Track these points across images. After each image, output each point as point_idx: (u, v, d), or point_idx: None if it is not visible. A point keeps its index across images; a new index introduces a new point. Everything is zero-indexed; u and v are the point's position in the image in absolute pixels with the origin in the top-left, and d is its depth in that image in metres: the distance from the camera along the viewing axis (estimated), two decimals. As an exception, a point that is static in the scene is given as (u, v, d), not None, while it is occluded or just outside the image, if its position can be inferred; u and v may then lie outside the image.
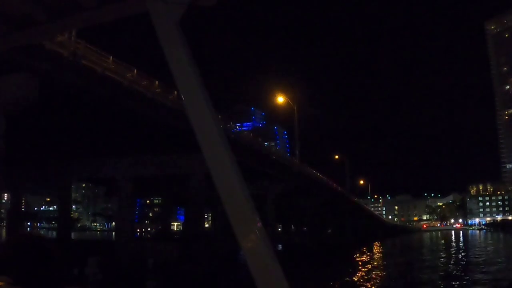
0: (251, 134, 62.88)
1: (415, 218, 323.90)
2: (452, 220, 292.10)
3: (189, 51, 3.70)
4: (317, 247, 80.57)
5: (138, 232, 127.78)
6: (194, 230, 47.06)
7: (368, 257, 75.31)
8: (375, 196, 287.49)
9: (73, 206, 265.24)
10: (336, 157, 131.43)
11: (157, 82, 37.63)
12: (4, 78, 24.43)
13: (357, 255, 75.04)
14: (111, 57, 31.62)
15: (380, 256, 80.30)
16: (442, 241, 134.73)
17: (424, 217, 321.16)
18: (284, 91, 77.92)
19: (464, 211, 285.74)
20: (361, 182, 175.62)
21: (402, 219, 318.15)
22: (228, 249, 56.11)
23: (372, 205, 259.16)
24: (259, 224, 3.29)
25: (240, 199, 3.31)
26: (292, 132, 60.49)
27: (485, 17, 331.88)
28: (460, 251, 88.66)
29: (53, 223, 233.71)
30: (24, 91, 24.89)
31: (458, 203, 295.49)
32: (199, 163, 44.09)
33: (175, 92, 39.88)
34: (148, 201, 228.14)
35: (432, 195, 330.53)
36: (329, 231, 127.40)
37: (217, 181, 3.34)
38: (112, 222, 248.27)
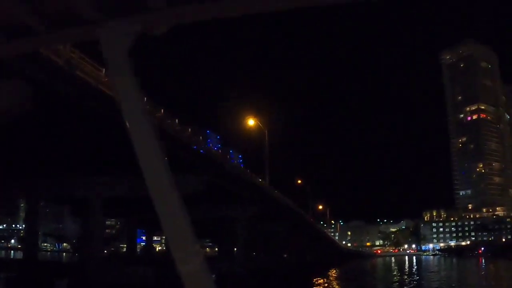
0: (220, 151, 61.90)
1: (368, 244, 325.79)
2: (406, 246, 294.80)
3: (136, 80, 3.74)
4: (283, 271, 79.81)
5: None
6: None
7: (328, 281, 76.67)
8: (332, 221, 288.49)
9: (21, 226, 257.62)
10: (299, 181, 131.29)
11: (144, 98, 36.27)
12: None
13: (318, 279, 75.15)
14: (104, 69, 30.35)
15: (340, 280, 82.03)
16: (397, 266, 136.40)
17: (377, 243, 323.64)
18: (244, 115, 77.27)
19: (418, 237, 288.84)
20: (320, 207, 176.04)
21: (355, 244, 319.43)
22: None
23: (326, 230, 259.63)
24: (199, 250, 3.37)
25: (181, 224, 3.38)
26: (246, 156, 60.26)
27: (440, 48, 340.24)
28: (415, 276, 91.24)
29: (2, 242, 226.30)
30: (17, 98, 23.35)
31: (411, 229, 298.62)
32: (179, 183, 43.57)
33: (162, 110, 38.86)
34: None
35: (385, 221, 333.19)
36: (293, 256, 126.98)
37: (158, 206, 3.42)
38: (63, 243, 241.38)
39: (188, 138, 45.84)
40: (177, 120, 42.97)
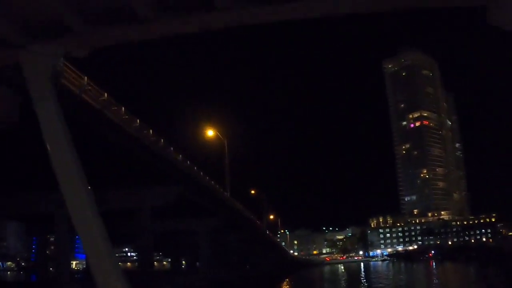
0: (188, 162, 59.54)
1: (315, 252, 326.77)
2: (353, 253, 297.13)
3: (57, 102, 3.84)
4: (244, 283, 78.46)
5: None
6: (146, 268, 43.50)
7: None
8: (281, 231, 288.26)
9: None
10: (253, 192, 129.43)
11: (123, 108, 34.07)
12: None
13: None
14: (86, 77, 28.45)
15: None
16: (350, 272, 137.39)
17: (324, 251, 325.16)
18: (202, 126, 75.19)
19: (365, 243, 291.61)
20: (272, 217, 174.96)
21: (302, 253, 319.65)
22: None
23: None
24: (117, 264, 3.43)
25: (99, 241, 3.47)
26: (205, 168, 58.39)
27: (383, 56, 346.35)
28: (367, 280, 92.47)
29: None
30: (5, 108, 22.34)
31: (358, 236, 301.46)
32: (147, 197, 42.78)
33: (138, 121, 36.70)
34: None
35: (330, 229, 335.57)
36: (251, 267, 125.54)
37: (76, 223, 3.55)
38: (7, 262, 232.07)
39: (162, 149, 43.62)
40: (151, 131, 40.66)
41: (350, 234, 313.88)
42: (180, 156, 48.29)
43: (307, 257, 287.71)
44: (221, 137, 74.93)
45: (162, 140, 42.99)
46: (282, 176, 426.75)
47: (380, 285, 73.56)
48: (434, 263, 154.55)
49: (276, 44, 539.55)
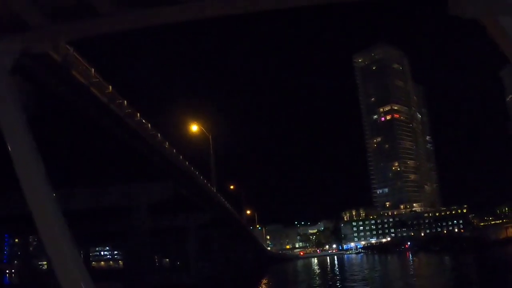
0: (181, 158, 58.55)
1: (288, 247, 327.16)
2: (327, 246, 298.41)
3: (17, 100, 3.74)
4: (232, 279, 78.34)
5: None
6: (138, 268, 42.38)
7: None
8: (257, 226, 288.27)
9: None
10: (232, 187, 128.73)
11: (125, 102, 33.01)
12: None
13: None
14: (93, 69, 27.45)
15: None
16: (322, 265, 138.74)
17: (297, 245, 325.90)
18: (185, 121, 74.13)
19: (339, 237, 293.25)
20: (248, 212, 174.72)
21: (275, 248, 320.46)
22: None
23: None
24: (82, 264, 3.36)
25: (61, 240, 3.34)
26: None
27: (353, 51, 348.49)
28: (348, 271, 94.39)
29: None
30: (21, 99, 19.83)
31: (332, 229, 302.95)
32: (144, 193, 41.81)
33: (138, 114, 35.68)
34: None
35: (302, 223, 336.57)
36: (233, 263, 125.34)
37: (38, 223, 3.43)
38: None
39: (159, 143, 42.47)
40: (149, 125, 39.51)
41: (322, 228, 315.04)
42: (174, 150, 47.33)
43: (281, 251, 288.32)
44: (206, 132, 74.14)
45: (159, 135, 41.97)
46: (254, 171, 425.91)
47: (355, 276, 74.23)
48: (410, 254, 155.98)
49: (248, 37, 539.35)
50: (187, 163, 53.24)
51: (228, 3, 3.73)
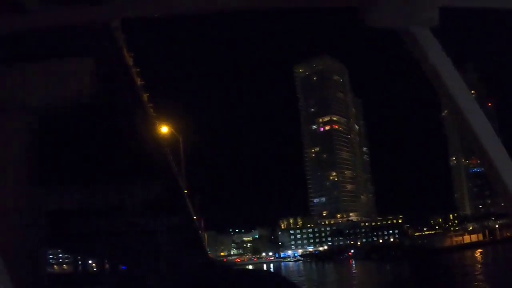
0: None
1: (222, 254, 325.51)
2: (264, 254, 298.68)
3: None
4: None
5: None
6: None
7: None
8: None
9: None
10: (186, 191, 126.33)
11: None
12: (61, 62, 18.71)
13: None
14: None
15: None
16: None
17: (232, 252, 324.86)
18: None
19: (276, 245, 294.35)
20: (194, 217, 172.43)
21: (210, 254, 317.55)
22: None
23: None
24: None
25: None
26: None
27: (294, 62, 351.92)
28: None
29: None
30: (85, 83, 19.05)
31: (270, 237, 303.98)
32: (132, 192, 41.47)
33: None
34: None
35: (237, 230, 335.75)
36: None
37: None
38: None
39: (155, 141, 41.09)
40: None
41: (257, 236, 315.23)
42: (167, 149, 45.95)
43: (216, 258, 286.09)
44: (176, 134, 72.34)
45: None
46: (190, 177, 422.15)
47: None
48: (353, 262, 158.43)
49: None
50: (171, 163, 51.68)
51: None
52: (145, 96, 31.27)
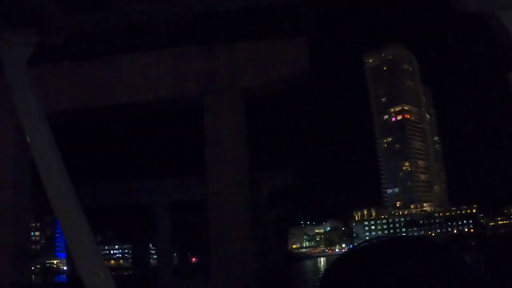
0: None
1: (294, 246, 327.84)
2: (337, 246, 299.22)
3: (35, 93, 3.61)
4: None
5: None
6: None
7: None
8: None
9: None
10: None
11: None
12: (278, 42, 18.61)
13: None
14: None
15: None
16: None
17: (304, 244, 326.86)
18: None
19: (350, 236, 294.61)
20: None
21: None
22: None
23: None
24: (104, 263, 3.32)
25: (83, 236, 3.27)
26: None
27: (364, 51, 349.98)
28: None
29: None
30: (297, 63, 18.84)
31: (343, 229, 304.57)
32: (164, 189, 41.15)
33: None
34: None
35: (308, 223, 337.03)
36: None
37: (59, 216, 3.30)
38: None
39: None
40: None
41: (328, 228, 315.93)
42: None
43: (296, 251, 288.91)
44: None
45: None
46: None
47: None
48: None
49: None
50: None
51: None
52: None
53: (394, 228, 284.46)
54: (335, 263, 1.30)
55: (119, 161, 34.16)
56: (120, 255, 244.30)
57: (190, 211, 52.21)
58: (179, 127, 27.58)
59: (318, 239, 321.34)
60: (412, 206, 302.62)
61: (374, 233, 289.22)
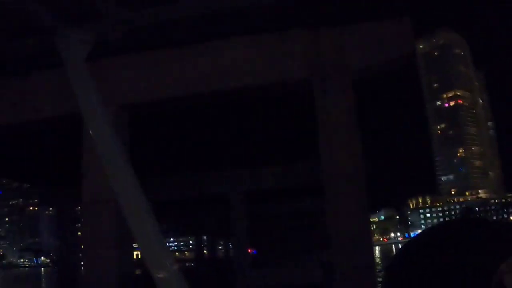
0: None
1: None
2: (392, 234, 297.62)
3: (95, 87, 3.80)
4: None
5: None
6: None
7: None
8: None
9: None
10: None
11: None
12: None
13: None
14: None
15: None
16: None
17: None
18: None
19: (405, 224, 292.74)
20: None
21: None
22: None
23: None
24: (171, 256, 3.47)
25: (151, 231, 3.33)
26: None
27: (415, 37, 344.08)
28: None
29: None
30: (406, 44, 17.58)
31: (398, 217, 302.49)
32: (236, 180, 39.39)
33: None
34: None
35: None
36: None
37: (127, 213, 3.38)
38: (41, 257, 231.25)
39: None
40: None
41: (382, 217, 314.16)
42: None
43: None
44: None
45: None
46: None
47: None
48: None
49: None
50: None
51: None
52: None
53: (450, 215, 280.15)
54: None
55: (193, 153, 32.60)
56: (182, 248, 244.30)
57: (265, 203, 52.50)
58: (264, 116, 26.54)
59: (372, 228, 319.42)
60: (467, 193, 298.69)
61: (429, 221, 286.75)
